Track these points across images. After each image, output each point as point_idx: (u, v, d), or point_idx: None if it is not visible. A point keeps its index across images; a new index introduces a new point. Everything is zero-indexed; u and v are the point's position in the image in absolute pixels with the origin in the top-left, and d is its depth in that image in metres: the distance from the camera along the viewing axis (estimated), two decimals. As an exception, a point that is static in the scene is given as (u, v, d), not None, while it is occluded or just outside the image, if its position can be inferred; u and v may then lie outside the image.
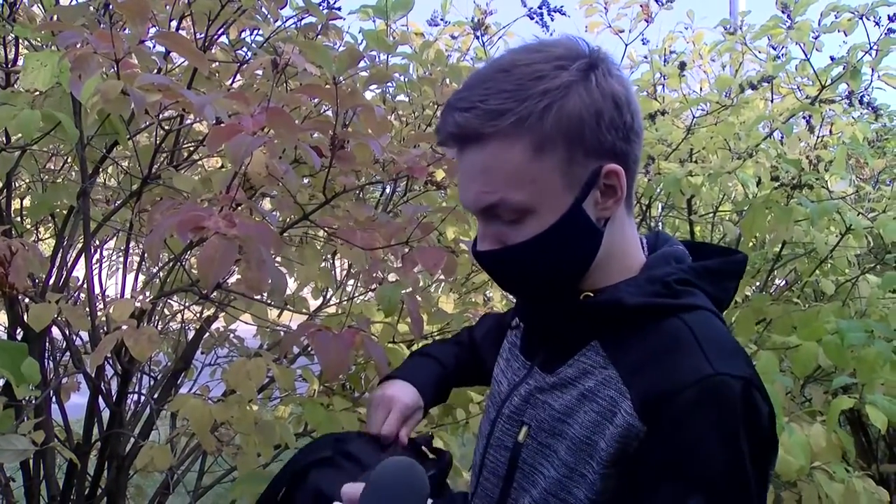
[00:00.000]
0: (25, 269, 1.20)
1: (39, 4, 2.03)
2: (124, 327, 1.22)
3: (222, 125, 0.94)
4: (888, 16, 2.19)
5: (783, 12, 2.32)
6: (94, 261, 2.17)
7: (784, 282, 2.91)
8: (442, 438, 1.95)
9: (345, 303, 2.24)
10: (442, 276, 2.05)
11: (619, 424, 0.75)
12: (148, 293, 1.87)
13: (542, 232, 0.77)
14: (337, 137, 1.15)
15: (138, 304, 1.34)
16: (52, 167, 2.45)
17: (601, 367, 0.80)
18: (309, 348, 2.43)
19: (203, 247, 0.91)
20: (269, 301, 1.53)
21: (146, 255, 2.35)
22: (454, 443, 1.96)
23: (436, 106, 1.90)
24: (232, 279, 1.65)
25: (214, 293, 1.53)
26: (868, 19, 2.20)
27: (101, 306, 1.98)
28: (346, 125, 1.20)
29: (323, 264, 2.07)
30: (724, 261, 0.88)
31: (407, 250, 1.28)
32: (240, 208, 1.11)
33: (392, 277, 1.52)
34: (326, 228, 1.36)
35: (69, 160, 2.35)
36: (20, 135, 1.70)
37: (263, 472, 1.64)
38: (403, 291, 1.46)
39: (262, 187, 1.46)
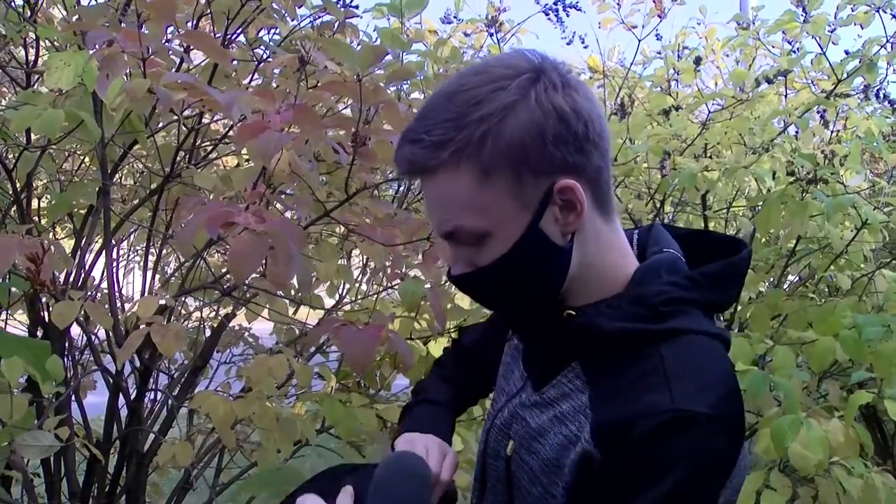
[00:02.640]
0: (51, 267, 1.21)
1: (57, 6, 2.05)
2: (152, 324, 1.23)
3: (249, 122, 0.95)
4: (905, 9, 2.18)
5: (798, 6, 2.32)
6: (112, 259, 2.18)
7: (798, 277, 2.90)
8: (458, 434, 1.95)
9: (360, 300, 2.25)
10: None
11: (578, 451, 0.76)
12: (165, 292, 1.88)
13: (505, 254, 0.77)
14: (359, 134, 1.16)
15: (163, 301, 1.35)
16: (68, 167, 2.47)
17: (579, 390, 0.80)
18: (325, 346, 2.45)
19: (234, 242, 0.91)
20: (291, 297, 1.54)
21: (166, 251, 2.37)
22: (471, 438, 1.97)
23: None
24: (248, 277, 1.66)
25: (235, 290, 1.54)
26: (885, 12, 2.20)
27: (119, 304, 2.00)
28: (368, 122, 1.21)
29: (340, 262, 2.07)
30: (726, 264, 0.84)
31: (428, 246, 1.29)
32: (265, 205, 1.12)
33: (413, 273, 1.53)
34: (348, 225, 1.36)
35: (86, 160, 2.37)
36: (40, 135, 1.72)
37: (277, 472, 1.66)
38: (425, 286, 1.46)
39: (282, 184, 1.46)
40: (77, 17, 1.57)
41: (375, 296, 1.99)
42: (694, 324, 0.79)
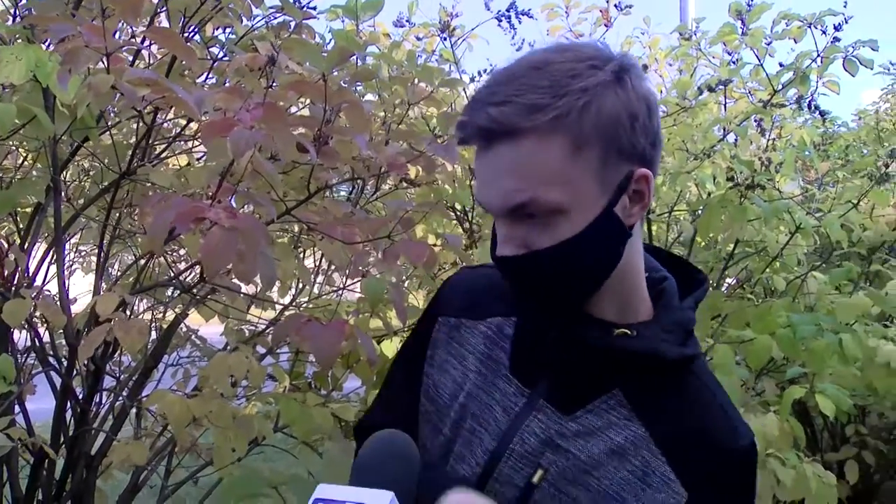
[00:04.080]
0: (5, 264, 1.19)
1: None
2: (112, 320, 1.22)
3: (216, 120, 0.96)
4: (834, 25, 2.31)
5: (738, 19, 2.43)
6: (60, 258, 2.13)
7: (736, 279, 3.03)
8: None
9: (314, 299, 2.26)
10: (415, 272, 2.08)
11: (657, 488, 0.77)
12: (119, 290, 1.85)
13: (574, 236, 0.73)
14: (322, 134, 1.17)
15: (121, 297, 1.34)
16: (8, 164, 2.40)
17: (625, 419, 0.79)
18: (276, 347, 2.44)
19: (206, 238, 0.92)
20: (251, 295, 1.54)
21: (115, 250, 2.33)
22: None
23: (407, 105, 1.93)
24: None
25: (194, 288, 1.54)
26: (816, 28, 2.32)
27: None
28: (329, 122, 1.23)
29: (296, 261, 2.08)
30: (704, 289, 0.88)
31: (389, 244, 1.31)
32: (231, 201, 1.13)
33: (374, 271, 1.55)
34: (308, 223, 1.38)
35: (28, 157, 2.30)
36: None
37: (246, 476, 1.66)
38: (387, 283, 1.49)
39: (240, 182, 1.46)
40: (27, 9, 1.54)
41: (331, 294, 2.00)
42: (698, 346, 0.85)
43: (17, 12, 1.75)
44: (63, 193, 2.50)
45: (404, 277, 2.24)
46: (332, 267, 2.15)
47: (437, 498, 0.72)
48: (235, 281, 1.57)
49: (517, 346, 0.86)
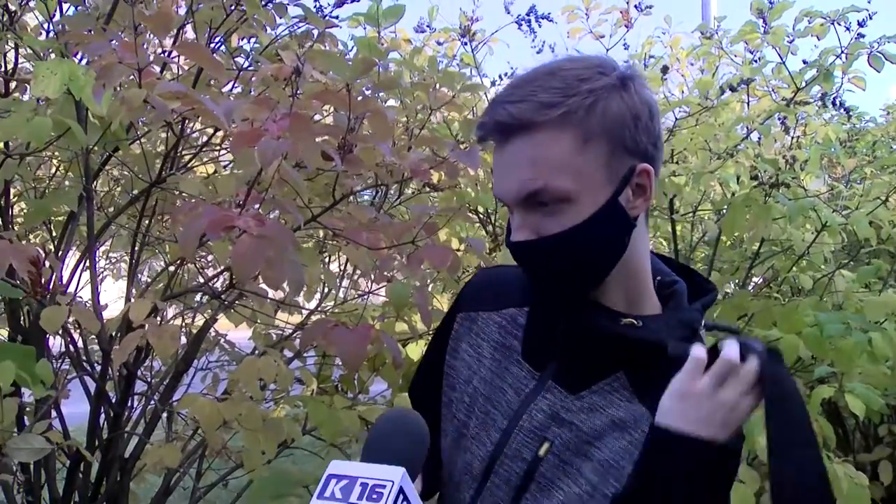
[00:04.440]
0: (45, 272, 1.23)
1: (34, 13, 2.05)
2: (146, 326, 1.25)
3: (244, 130, 0.99)
4: (857, 21, 2.29)
5: (759, 17, 2.42)
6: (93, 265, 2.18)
7: (762, 278, 3.01)
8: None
9: (341, 304, 2.29)
10: (439, 276, 2.10)
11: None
12: (153, 296, 1.89)
13: (581, 222, 0.80)
14: (347, 141, 1.20)
15: (154, 303, 1.37)
16: (41, 174, 2.46)
17: (627, 400, 0.85)
18: (304, 350, 2.47)
19: (237, 245, 0.95)
20: (279, 300, 1.57)
21: (145, 257, 2.37)
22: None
23: (429, 111, 1.95)
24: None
25: (224, 293, 1.57)
26: (839, 24, 2.30)
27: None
28: (352, 130, 1.25)
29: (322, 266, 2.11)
30: (713, 296, 0.93)
31: (413, 249, 1.33)
32: (258, 209, 1.15)
33: (399, 276, 1.58)
34: (334, 229, 1.40)
35: (61, 167, 2.36)
36: (25, 142, 1.73)
37: (275, 477, 1.68)
38: (412, 288, 1.51)
39: (267, 190, 1.50)
40: (60, 25, 1.59)
41: (357, 299, 2.03)
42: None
43: (52, 27, 1.80)
44: (94, 202, 2.57)
45: (428, 281, 2.26)
46: (358, 271, 2.17)
47: None
48: (263, 286, 1.60)
49: (529, 333, 0.93)
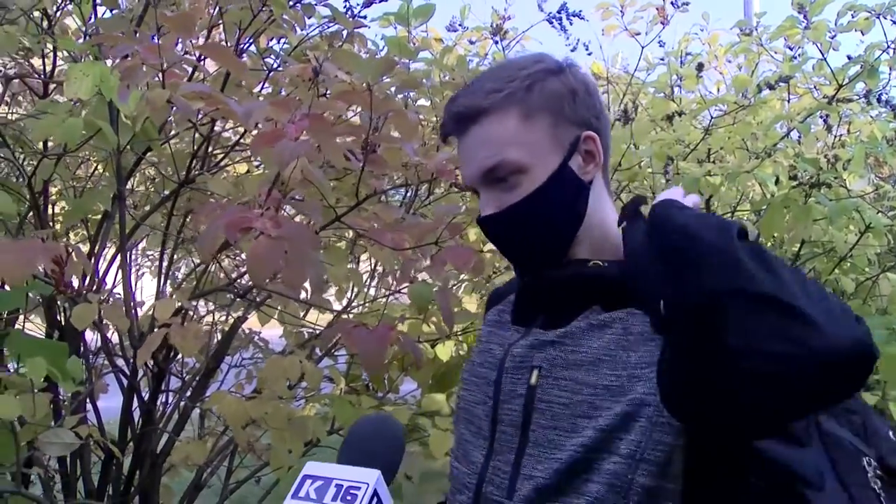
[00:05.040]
0: (73, 271, 1.25)
1: (73, 16, 2.10)
2: (170, 325, 1.27)
3: (265, 131, 0.99)
4: (905, 15, 2.21)
5: (799, 12, 2.35)
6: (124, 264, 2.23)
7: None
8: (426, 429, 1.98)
9: (369, 303, 2.29)
10: (465, 277, 2.09)
11: (636, 342, 0.83)
12: (180, 295, 1.92)
13: (537, 188, 0.89)
14: (370, 142, 1.19)
15: (178, 304, 1.39)
16: (80, 174, 2.52)
17: (600, 312, 0.89)
18: (334, 349, 2.49)
19: (252, 246, 0.95)
20: (303, 300, 1.57)
21: (178, 255, 2.41)
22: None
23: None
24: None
25: (248, 293, 1.58)
26: (885, 18, 2.22)
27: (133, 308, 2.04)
28: (377, 130, 1.25)
29: (349, 266, 2.11)
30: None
31: (436, 250, 1.32)
32: (277, 210, 1.15)
33: (422, 276, 1.57)
34: (358, 229, 1.40)
35: (99, 167, 2.41)
36: (59, 142, 1.76)
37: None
38: (434, 289, 1.50)
39: (292, 190, 1.50)
40: (95, 28, 1.62)
41: (383, 299, 2.03)
42: None
43: (87, 31, 1.83)
44: (128, 201, 2.62)
45: (455, 282, 2.25)
46: (386, 271, 2.17)
47: None
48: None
49: (517, 302, 1.00)
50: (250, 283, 1.75)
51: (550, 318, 0.93)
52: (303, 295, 1.92)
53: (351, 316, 1.90)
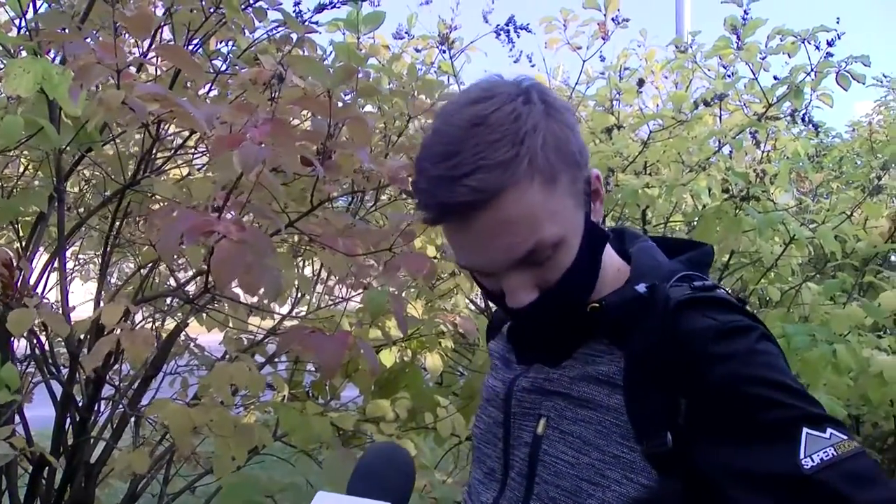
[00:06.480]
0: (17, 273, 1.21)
1: (5, 9, 2.01)
2: (118, 330, 1.24)
3: (225, 134, 0.98)
4: (827, 41, 2.34)
5: (733, 33, 2.46)
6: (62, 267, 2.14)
7: (731, 290, 3.05)
8: (412, 440, 1.99)
9: (314, 310, 2.27)
10: (414, 283, 2.10)
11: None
12: (124, 300, 1.86)
13: (576, 257, 0.78)
14: (327, 148, 1.20)
15: (126, 307, 1.35)
16: (9, 173, 2.41)
17: (607, 353, 0.82)
18: (277, 357, 2.45)
19: (216, 250, 0.94)
20: (252, 305, 1.55)
21: (115, 259, 2.33)
22: (423, 445, 2.01)
23: (407, 118, 1.96)
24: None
25: (197, 299, 1.55)
26: (809, 43, 2.35)
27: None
28: (331, 136, 1.25)
29: (296, 271, 2.09)
30: (701, 252, 0.91)
31: (390, 256, 1.33)
32: (239, 214, 1.14)
33: (375, 283, 1.57)
34: (311, 235, 1.40)
35: (30, 166, 2.32)
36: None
37: (245, 483, 1.67)
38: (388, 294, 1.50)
39: (241, 194, 1.48)
40: (35, 23, 1.56)
41: (332, 305, 2.02)
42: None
43: (25, 24, 1.76)
44: (66, 204, 2.52)
45: (403, 290, 2.26)
46: (332, 277, 2.16)
47: None
48: (235, 290, 1.59)
49: (511, 342, 0.96)
50: (197, 287, 1.71)
51: (550, 353, 0.87)
52: (245, 299, 1.89)
53: (297, 322, 1.89)
